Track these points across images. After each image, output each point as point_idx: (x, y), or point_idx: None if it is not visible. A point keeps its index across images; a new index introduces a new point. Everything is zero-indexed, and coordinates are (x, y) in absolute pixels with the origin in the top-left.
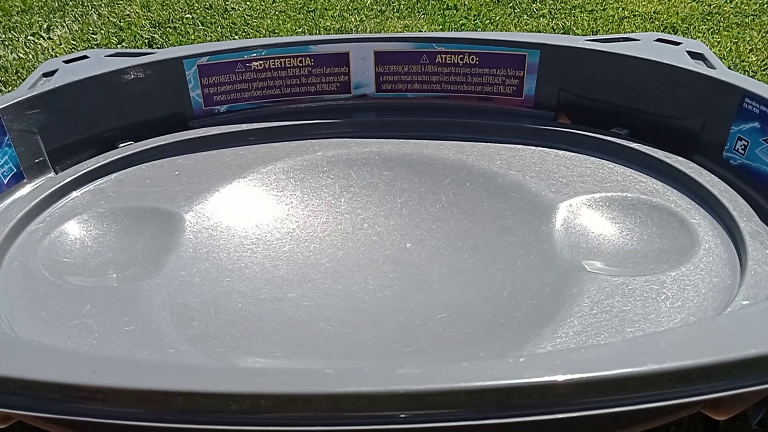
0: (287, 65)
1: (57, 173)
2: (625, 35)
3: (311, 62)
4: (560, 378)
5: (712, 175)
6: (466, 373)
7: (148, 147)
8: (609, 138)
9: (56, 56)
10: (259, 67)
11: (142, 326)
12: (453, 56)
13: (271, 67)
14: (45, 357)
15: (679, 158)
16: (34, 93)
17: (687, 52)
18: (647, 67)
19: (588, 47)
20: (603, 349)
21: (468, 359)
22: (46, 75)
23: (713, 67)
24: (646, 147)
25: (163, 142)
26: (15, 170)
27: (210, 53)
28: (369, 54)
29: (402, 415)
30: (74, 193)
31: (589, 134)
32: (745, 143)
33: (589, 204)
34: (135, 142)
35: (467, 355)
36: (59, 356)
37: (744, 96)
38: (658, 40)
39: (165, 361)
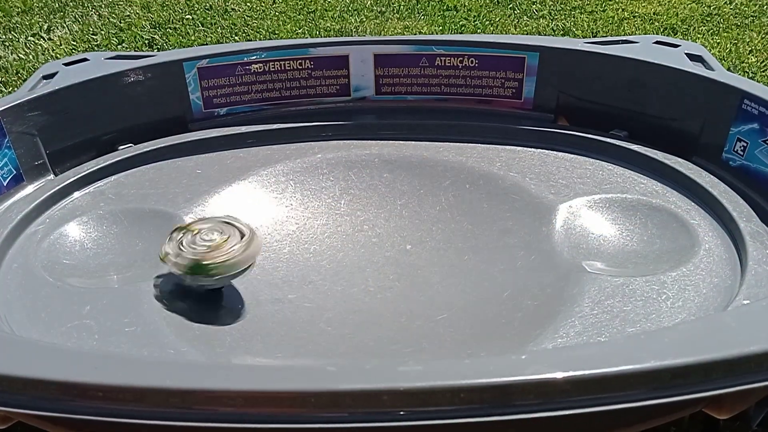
0: (287, 68)
1: (57, 175)
2: (624, 38)
3: (311, 65)
4: (562, 375)
5: (712, 177)
6: (468, 370)
7: (148, 149)
8: (608, 140)
9: (56, 57)
10: (259, 70)
11: (143, 327)
12: (452, 59)
13: (271, 69)
14: (45, 355)
15: (679, 160)
16: (34, 95)
17: (686, 54)
18: (646, 70)
19: (587, 50)
20: (605, 345)
21: (469, 359)
22: (46, 77)
23: (712, 69)
24: (645, 149)
25: (162, 145)
26: (15, 172)
27: (210, 56)
28: (368, 57)
29: (401, 412)
30: (74, 195)
31: (589, 136)
32: (745, 144)
33: (589, 205)
34: (135, 144)
35: (468, 355)
36: (59, 354)
37: (743, 97)
38: (657, 42)
39: (166, 359)
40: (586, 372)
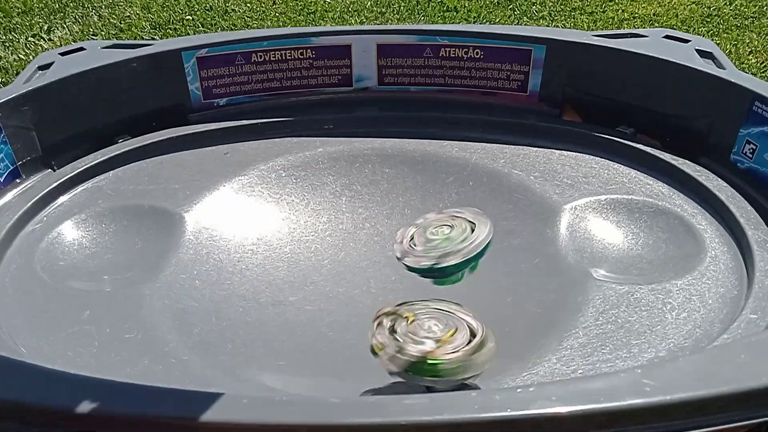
0: (288, 57)
1: (54, 170)
2: (634, 31)
3: (312, 54)
4: (570, 409)
5: (719, 180)
6: (474, 403)
7: (147, 142)
8: (614, 138)
9: None
10: (259, 60)
11: (143, 333)
12: (457, 50)
13: (272, 59)
14: (37, 380)
15: (686, 161)
16: (30, 88)
17: (696, 50)
18: (655, 65)
19: (595, 43)
20: (613, 378)
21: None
22: (41, 68)
23: (723, 67)
24: (652, 149)
25: (161, 138)
26: (11, 167)
27: (209, 45)
28: (371, 46)
29: None
30: (72, 192)
31: (594, 134)
32: (754, 147)
33: (594, 207)
34: (133, 136)
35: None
36: (52, 379)
37: (754, 99)
38: (667, 36)
39: (163, 387)
40: (594, 407)
